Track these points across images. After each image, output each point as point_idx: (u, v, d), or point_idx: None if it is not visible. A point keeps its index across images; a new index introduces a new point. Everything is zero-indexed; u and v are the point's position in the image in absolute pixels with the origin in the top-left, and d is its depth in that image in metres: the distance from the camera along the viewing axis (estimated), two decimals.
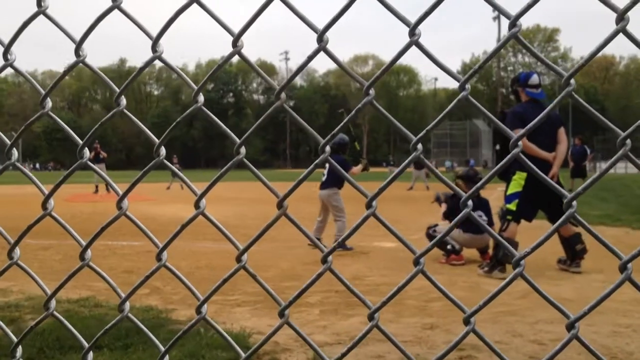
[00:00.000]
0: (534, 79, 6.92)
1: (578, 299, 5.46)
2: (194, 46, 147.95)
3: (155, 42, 1.04)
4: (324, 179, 8.99)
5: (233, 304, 5.35)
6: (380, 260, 7.76)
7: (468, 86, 0.92)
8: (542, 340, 4.19)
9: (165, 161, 1.12)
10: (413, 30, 0.95)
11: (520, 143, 0.92)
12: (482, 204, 7.78)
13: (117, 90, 1.08)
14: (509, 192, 6.68)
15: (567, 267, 6.87)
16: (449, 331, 4.44)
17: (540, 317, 4.77)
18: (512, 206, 6.63)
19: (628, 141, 0.85)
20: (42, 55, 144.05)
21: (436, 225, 7.90)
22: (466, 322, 0.98)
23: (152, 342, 4.11)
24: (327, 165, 9.16)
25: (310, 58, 0.99)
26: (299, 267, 7.29)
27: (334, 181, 8.88)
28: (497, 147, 7.23)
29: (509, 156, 0.95)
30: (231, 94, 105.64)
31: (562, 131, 6.87)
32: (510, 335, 4.28)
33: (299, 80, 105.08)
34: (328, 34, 1.00)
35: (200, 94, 1.05)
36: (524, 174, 6.54)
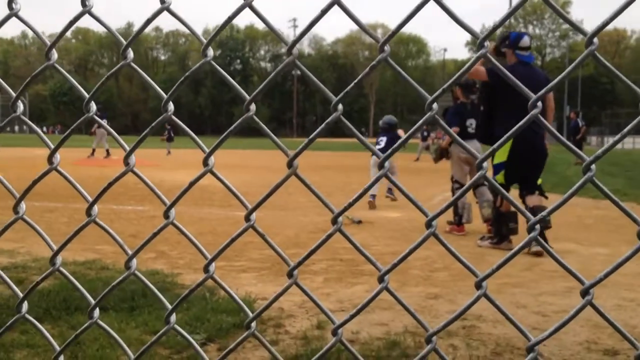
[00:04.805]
0: (525, 40, 6.45)
1: (582, 271, 5.45)
2: (202, 12, 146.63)
3: None
4: (382, 145, 9.75)
5: (238, 270, 5.38)
6: (385, 230, 7.76)
7: (487, 44, 0.89)
8: (545, 312, 4.20)
9: (174, 117, 1.09)
10: None
11: (539, 104, 0.88)
12: (474, 112, 7.67)
13: (125, 42, 1.06)
14: (495, 161, 6.37)
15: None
16: (453, 301, 4.45)
17: (544, 289, 4.77)
18: (500, 178, 6.33)
19: None
20: (49, 18, 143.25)
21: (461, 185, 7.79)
22: (478, 286, 0.96)
23: (158, 305, 4.11)
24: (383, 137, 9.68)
25: (324, 12, 0.96)
26: (304, 235, 7.31)
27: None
28: (482, 108, 6.79)
29: (526, 118, 0.92)
30: (238, 61, 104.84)
31: (550, 97, 6.54)
32: (514, 307, 4.30)
33: (306, 48, 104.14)
34: None
35: (210, 48, 1.02)
36: (509, 142, 6.22)
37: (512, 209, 6.53)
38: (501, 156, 6.29)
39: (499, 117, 6.29)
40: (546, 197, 6.53)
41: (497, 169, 6.36)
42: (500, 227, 6.61)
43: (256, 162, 22.74)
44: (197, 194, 10.27)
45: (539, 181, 6.54)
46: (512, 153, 6.18)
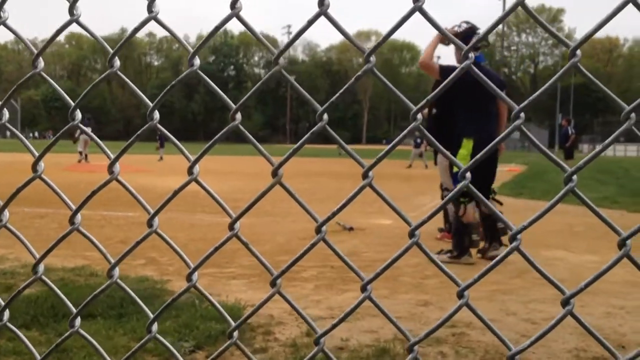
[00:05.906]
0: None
1: (571, 279, 5.47)
2: (196, 18, 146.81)
3: (152, 1, 1.00)
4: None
5: (228, 277, 5.36)
6: (376, 237, 7.76)
7: (471, 55, 0.90)
8: (534, 319, 4.21)
9: (159, 125, 1.09)
10: None
11: (522, 115, 0.89)
12: None
13: (111, 51, 1.06)
14: (456, 169, 6.04)
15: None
16: (443, 308, 4.45)
17: (534, 297, 4.78)
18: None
19: (633, 115, 0.83)
20: (43, 23, 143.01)
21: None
22: (460, 295, 0.97)
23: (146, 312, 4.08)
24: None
25: (310, 22, 0.96)
26: (295, 242, 7.30)
27: None
28: (434, 111, 6.42)
29: (509, 128, 0.93)
30: (232, 67, 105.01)
31: (502, 102, 6.28)
32: (504, 314, 4.31)
33: (300, 55, 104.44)
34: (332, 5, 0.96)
35: (197, 57, 1.02)
36: (470, 143, 5.84)
37: (476, 219, 6.28)
38: (463, 162, 5.86)
39: (460, 119, 6.02)
40: (501, 203, 6.64)
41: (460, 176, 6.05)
42: (462, 239, 6.19)
43: (249, 169, 22.71)
44: (189, 200, 10.24)
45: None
46: (474, 156, 5.69)
